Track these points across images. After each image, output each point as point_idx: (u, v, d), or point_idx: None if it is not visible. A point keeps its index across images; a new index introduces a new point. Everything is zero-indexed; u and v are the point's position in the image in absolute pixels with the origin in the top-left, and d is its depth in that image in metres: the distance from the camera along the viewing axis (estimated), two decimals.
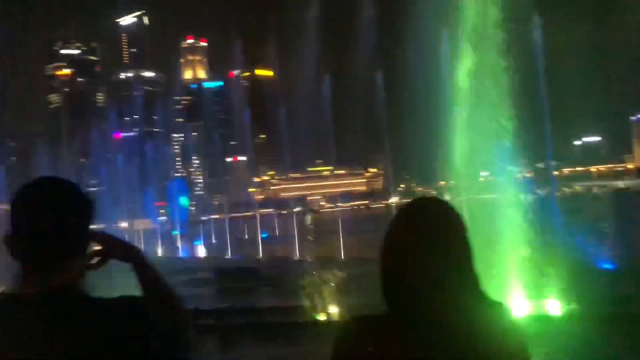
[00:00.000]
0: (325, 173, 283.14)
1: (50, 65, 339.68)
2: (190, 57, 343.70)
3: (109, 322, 1.60)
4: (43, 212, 1.62)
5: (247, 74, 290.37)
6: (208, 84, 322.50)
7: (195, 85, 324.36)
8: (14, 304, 1.59)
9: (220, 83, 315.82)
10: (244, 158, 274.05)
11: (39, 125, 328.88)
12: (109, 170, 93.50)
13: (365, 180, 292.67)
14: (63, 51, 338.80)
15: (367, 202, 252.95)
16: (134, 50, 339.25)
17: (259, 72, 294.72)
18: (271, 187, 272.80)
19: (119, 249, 1.88)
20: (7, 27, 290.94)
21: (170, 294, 1.83)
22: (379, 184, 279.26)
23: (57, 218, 1.62)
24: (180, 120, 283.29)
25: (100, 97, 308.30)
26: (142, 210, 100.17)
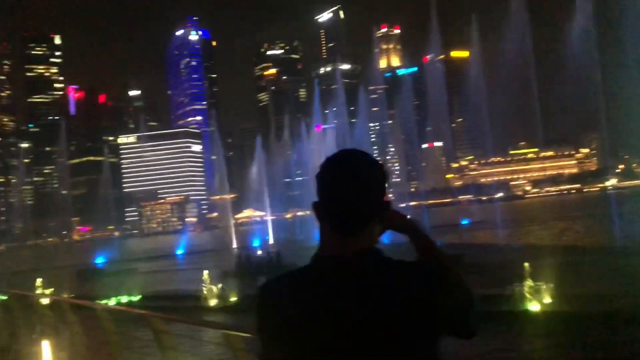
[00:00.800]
0: (529, 155, 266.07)
1: (258, 67, 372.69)
2: (384, 46, 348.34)
3: (414, 283, 1.68)
4: (351, 181, 1.74)
5: (441, 57, 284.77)
6: (402, 71, 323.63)
7: (389, 74, 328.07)
8: (334, 263, 1.73)
9: (415, 69, 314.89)
10: (440, 143, 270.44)
11: (251, 122, 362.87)
12: (311, 160, 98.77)
13: (575, 161, 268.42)
14: (269, 52, 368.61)
15: (578, 185, 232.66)
16: (332, 44, 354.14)
17: (454, 54, 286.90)
18: (470, 173, 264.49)
19: (398, 219, 1.95)
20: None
21: (450, 265, 1.86)
22: (592, 165, 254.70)
23: (363, 186, 1.74)
24: (376, 109, 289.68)
25: (302, 92, 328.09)
26: None
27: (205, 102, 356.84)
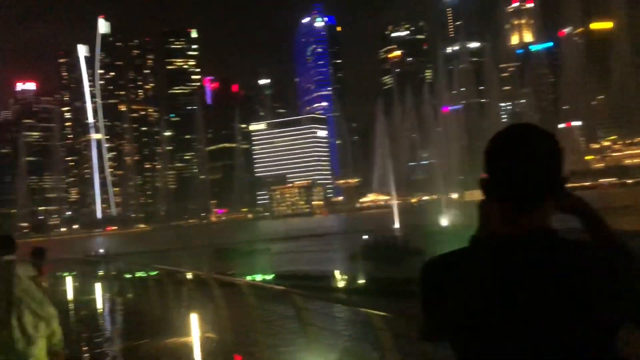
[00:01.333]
0: None
1: (382, 50, 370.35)
2: (515, 22, 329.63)
3: (596, 267, 1.59)
4: (528, 154, 1.65)
5: (580, 29, 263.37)
6: (535, 47, 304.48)
7: (521, 50, 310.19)
8: (507, 242, 1.65)
9: (549, 44, 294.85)
10: (578, 123, 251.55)
11: (375, 106, 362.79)
12: (438, 143, 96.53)
13: None
14: (393, 34, 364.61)
15: None
16: (459, 23, 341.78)
17: (595, 25, 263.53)
18: (612, 154, 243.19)
19: (574, 200, 1.85)
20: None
21: (624, 244, 1.75)
22: None
23: (541, 160, 1.64)
24: (507, 88, 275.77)
25: (428, 73, 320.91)
26: (472, 181, 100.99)
27: (330, 88, 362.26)
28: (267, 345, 7.46)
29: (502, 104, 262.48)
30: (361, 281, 28.61)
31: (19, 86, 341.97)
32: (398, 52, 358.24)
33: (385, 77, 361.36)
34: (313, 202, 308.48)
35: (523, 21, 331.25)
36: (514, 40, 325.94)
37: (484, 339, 1.60)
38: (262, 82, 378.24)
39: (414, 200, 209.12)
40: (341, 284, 28.50)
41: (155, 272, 14.66)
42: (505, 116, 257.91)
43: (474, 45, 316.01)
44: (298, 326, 6.22)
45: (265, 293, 8.64)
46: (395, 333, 4.75)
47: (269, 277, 33.58)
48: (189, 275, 11.97)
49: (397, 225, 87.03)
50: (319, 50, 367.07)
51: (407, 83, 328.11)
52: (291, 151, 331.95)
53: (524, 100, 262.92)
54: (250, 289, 7.75)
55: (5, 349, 4.46)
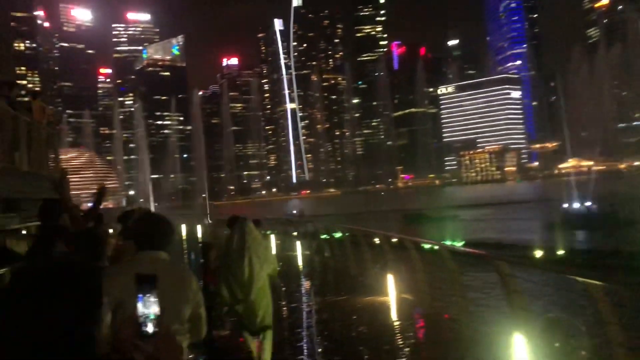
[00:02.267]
0: None
1: None
2: None
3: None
4: None
5: None
6: None
7: None
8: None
9: None
10: None
11: (577, 62, 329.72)
12: None
13: None
14: None
15: None
16: None
17: None
18: None
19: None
20: None
21: None
22: None
23: None
24: None
25: None
26: None
27: (525, 45, 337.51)
28: (468, 310, 7.37)
29: None
30: (560, 252, 26.72)
31: (225, 62, 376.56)
32: (606, 0, 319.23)
33: (590, 30, 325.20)
34: (505, 168, 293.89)
35: None
36: None
37: None
38: (450, 43, 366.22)
39: (622, 166, 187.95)
40: (538, 254, 26.89)
41: (345, 234, 15.28)
42: None
43: None
44: (500, 293, 6.05)
45: (464, 259, 8.52)
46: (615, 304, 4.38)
47: (459, 244, 33.00)
48: (383, 239, 12.26)
49: (601, 194, 79.32)
50: (513, 5, 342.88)
51: (616, 35, 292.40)
52: (482, 114, 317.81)
53: None
54: (450, 253, 7.70)
55: (238, 281, 6.15)
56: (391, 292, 10.42)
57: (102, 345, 1.11)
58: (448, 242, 33.67)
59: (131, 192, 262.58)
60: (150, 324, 1.23)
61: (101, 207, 6.53)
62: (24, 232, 12.40)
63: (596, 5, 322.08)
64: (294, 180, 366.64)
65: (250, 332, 6.40)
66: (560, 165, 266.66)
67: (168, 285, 1.32)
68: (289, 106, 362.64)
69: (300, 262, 17.73)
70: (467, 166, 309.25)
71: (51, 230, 3.96)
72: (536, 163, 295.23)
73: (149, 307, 1.24)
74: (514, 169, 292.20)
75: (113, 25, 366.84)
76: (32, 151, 11.69)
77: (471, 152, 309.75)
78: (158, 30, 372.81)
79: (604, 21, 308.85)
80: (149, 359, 1.21)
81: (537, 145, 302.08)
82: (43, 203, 5.86)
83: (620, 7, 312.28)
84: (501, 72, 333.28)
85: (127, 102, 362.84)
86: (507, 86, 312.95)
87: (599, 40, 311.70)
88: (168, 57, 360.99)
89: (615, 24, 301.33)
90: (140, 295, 1.25)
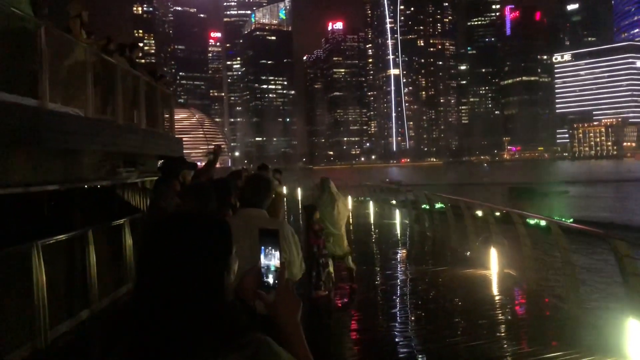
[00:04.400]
0: None
1: None
2: None
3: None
4: None
5: None
6: None
7: None
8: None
9: None
10: None
11: None
12: None
13: None
14: None
15: None
16: None
17: None
18: None
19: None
20: None
21: None
22: None
23: None
24: None
25: None
26: None
27: None
28: (576, 289, 7.00)
29: None
30: None
31: (330, 26, 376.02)
32: None
33: None
34: (624, 144, 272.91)
35: None
36: None
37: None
38: (570, 7, 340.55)
39: None
40: None
41: (447, 205, 14.95)
42: None
43: None
44: (615, 275, 5.67)
45: (575, 237, 8.06)
46: None
47: (567, 221, 31.34)
48: (487, 211, 11.89)
49: None
50: None
51: None
52: (601, 85, 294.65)
53: None
54: (561, 229, 7.30)
55: (331, 221, 8.54)
56: (493, 266, 10.14)
57: (230, 292, 1.22)
58: (555, 219, 32.10)
59: (237, 154, 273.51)
60: (272, 276, 1.34)
61: (216, 166, 6.92)
62: (139, 186, 13.31)
63: None
64: (395, 147, 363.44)
65: (337, 257, 8.70)
66: None
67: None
68: (393, 72, 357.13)
69: (398, 231, 17.68)
70: (580, 140, 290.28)
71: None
72: None
73: (270, 260, 1.35)
74: (633, 144, 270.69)
75: None
76: (149, 110, 12.40)
77: (586, 124, 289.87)
78: None
79: None
80: (269, 308, 1.33)
81: None
82: (165, 161, 6.35)
83: None
84: (625, 39, 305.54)
85: (235, 66, 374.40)
86: (632, 55, 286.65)
87: None
88: (275, 21, 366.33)
89: None
90: (263, 248, 1.36)
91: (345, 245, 8.71)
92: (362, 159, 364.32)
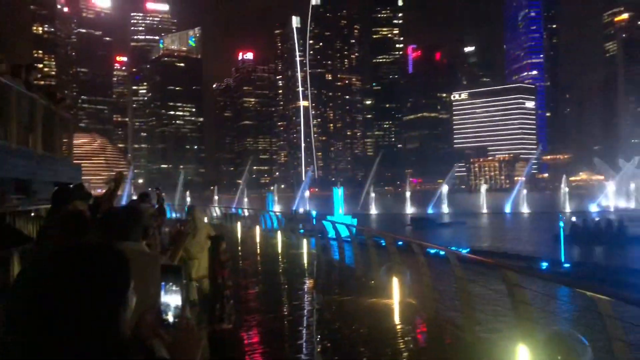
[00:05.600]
0: None
1: (607, 13, 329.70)
2: None
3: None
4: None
5: None
6: None
7: None
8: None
9: None
10: None
11: (594, 76, 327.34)
12: None
13: None
14: None
15: None
16: None
17: None
18: None
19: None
20: None
21: None
22: None
23: None
24: None
25: None
26: None
27: (542, 56, 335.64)
28: (473, 318, 7.35)
29: None
30: (566, 265, 26.60)
31: (240, 56, 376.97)
32: (625, 15, 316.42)
33: (609, 44, 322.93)
34: (515, 178, 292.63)
35: None
36: None
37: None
38: (467, 49, 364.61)
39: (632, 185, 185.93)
40: (543, 265, 26.80)
41: (349, 234, 15.26)
42: None
43: None
44: (507, 302, 6.02)
45: (472, 266, 8.50)
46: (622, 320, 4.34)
47: (464, 251, 32.93)
48: (389, 240, 12.23)
49: (611, 207, 78.92)
50: (532, 14, 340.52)
51: (635, 50, 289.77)
52: (494, 122, 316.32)
53: None
54: (458, 259, 7.68)
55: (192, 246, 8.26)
56: (396, 296, 10.42)
57: (126, 330, 1.12)
58: (453, 249, 33.66)
59: (140, 181, 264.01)
60: (171, 314, 1.26)
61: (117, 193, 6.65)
62: (32, 214, 12.49)
63: (616, 19, 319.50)
64: (303, 177, 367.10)
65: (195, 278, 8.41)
66: (572, 178, 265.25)
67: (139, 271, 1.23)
68: (302, 103, 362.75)
69: (305, 260, 17.75)
70: (476, 173, 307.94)
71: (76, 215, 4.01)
72: (546, 174, 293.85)
73: (171, 297, 1.26)
74: (523, 179, 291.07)
75: (131, 14, 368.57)
76: (46, 134, 11.76)
77: (481, 159, 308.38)
78: (175, 21, 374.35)
79: (622, 35, 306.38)
80: (169, 347, 1.24)
81: (549, 157, 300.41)
82: (58, 188, 5.99)
83: None
84: (516, 81, 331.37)
85: (141, 91, 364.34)
86: (521, 95, 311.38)
87: (617, 54, 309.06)
88: (184, 48, 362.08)
89: (634, 39, 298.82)
90: (164, 284, 1.26)
91: (204, 269, 8.44)
92: (272, 188, 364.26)
